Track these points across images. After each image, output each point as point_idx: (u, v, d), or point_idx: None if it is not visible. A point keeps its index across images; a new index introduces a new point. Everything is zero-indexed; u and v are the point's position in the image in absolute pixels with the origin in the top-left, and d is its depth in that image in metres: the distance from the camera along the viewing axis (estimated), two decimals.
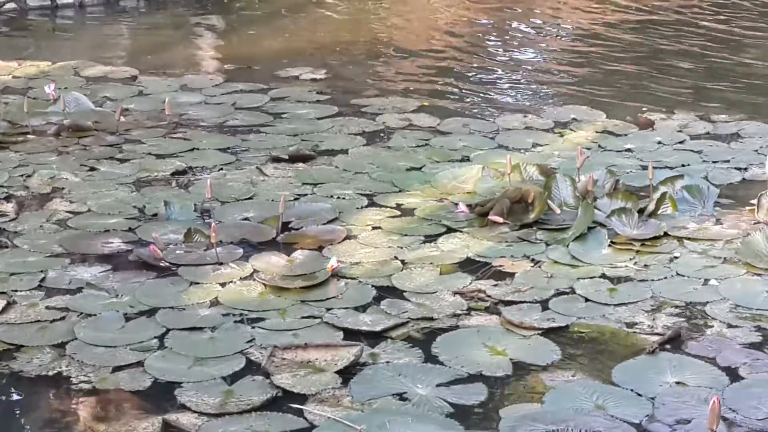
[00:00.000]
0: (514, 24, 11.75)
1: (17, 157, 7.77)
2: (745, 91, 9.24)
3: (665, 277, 5.97)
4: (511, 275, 6.02)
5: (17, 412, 4.88)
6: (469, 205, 6.77)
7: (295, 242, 6.42)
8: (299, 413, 4.79)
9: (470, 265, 6.15)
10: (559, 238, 6.40)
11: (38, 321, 5.56)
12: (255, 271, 6.06)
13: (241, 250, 6.28)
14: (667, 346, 5.30)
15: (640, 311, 5.64)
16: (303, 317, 5.59)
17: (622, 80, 9.65)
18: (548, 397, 4.90)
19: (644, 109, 8.70)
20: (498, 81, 9.76)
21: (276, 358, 5.14)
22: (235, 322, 5.54)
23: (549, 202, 6.66)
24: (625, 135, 8.18)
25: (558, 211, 6.66)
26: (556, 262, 6.16)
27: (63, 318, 5.59)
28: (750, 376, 5.05)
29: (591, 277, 5.99)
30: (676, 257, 6.20)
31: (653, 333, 5.42)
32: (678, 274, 6.02)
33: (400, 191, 7.16)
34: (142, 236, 6.48)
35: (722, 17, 11.80)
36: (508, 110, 8.85)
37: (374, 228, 6.61)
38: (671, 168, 7.43)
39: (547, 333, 5.44)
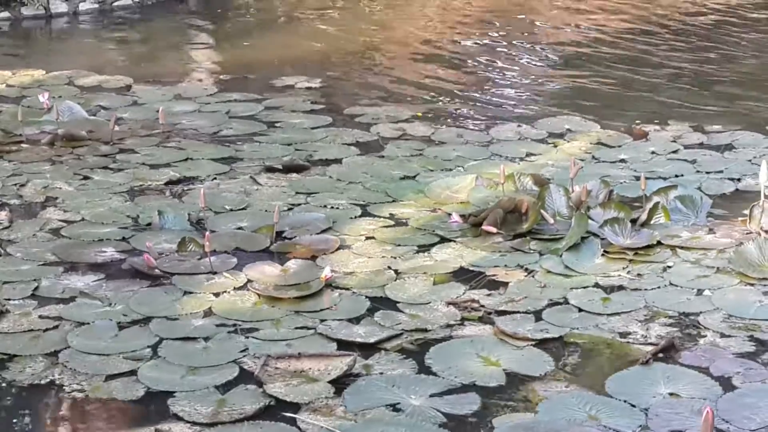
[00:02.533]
0: (509, 34, 11.76)
1: (11, 166, 7.76)
2: (739, 102, 9.25)
3: (658, 287, 5.98)
4: (505, 285, 6.02)
5: (10, 421, 4.87)
6: (462, 215, 6.77)
7: (288, 252, 6.42)
8: (292, 422, 4.78)
9: (464, 275, 6.15)
10: (552, 248, 6.40)
11: (31, 330, 5.55)
12: (249, 280, 6.06)
13: (235, 260, 6.28)
14: (661, 356, 5.30)
15: (634, 321, 5.64)
16: (296, 327, 5.58)
17: (616, 91, 9.66)
18: (542, 407, 4.90)
19: (637, 120, 8.70)
20: (492, 91, 9.77)
21: (269, 367, 5.13)
22: (229, 332, 5.53)
23: (543, 212, 6.67)
24: (619, 146, 8.19)
25: (552, 221, 6.66)
26: (549, 271, 6.16)
27: (56, 327, 5.58)
28: (743, 385, 5.06)
29: (584, 287, 5.99)
30: (669, 267, 6.20)
31: (647, 343, 5.42)
32: (671, 283, 6.02)
33: (393, 201, 7.16)
34: (136, 245, 6.47)
35: (716, 28, 11.81)
36: (502, 120, 8.85)
37: (368, 238, 6.61)
38: (665, 178, 7.44)
39: (541, 344, 5.44)
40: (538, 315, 5.70)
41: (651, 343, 5.41)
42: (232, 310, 5.76)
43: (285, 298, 5.85)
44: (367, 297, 5.89)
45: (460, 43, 11.45)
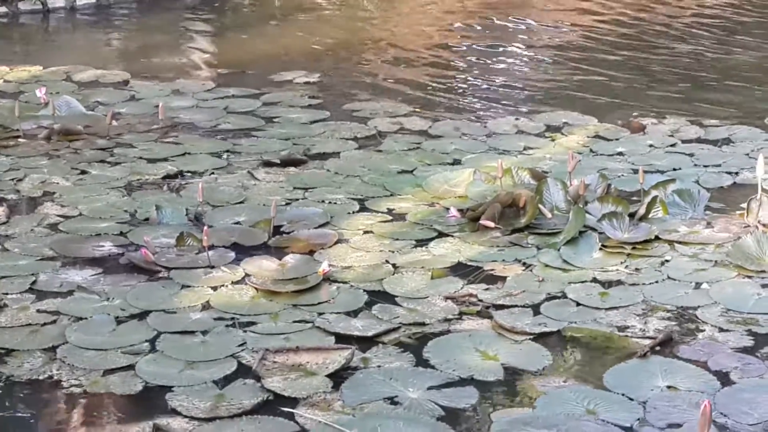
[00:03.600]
0: (506, 29, 11.75)
1: (8, 161, 7.76)
2: (736, 96, 9.25)
3: (656, 281, 5.98)
4: (503, 279, 6.02)
5: (8, 416, 4.86)
6: (460, 210, 6.76)
7: (286, 246, 6.42)
8: (290, 417, 4.79)
9: (462, 270, 6.15)
10: (550, 242, 6.40)
11: (29, 324, 5.55)
12: (246, 274, 6.05)
13: (232, 254, 6.28)
14: (659, 348, 5.30)
15: (632, 315, 5.64)
16: (294, 321, 5.59)
17: (613, 84, 9.65)
18: (540, 401, 4.90)
19: (635, 113, 8.70)
20: (489, 85, 9.77)
21: (267, 361, 5.13)
22: (227, 326, 5.53)
23: (540, 206, 6.67)
24: (617, 139, 8.19)
25: (549, 215, 6.66)
26: (547, 265, 6.16)
27: (54, 321, 5.58)
28: (741, 380, 5.06)
29: (582, 281, 5.99)
30: (667, 261, 6.21)
31: (645, 337, 5.42)
32: (669, 277, 6.02)
33: (391, 195, 7.16)
34: (134, 240, 6.47)
35: (715, 22, 11.81)
36: (499, 114, 8.85)
37: (366, 232, 6.61)
38: (662, 172, 7.44)
39: (539, 338, 5.44)
40: (536, 309, 5.70)
41: (649, 337, 5.41)
42: (230, 303, 5.76)
43: (283, 292, 5.85)
44: (365, 291, 5.89)
45: (457, 37, 11.44)
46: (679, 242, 6.39)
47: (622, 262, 6.19)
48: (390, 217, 6.82)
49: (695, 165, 7.64)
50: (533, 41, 11.26)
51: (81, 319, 5.60)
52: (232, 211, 6.93)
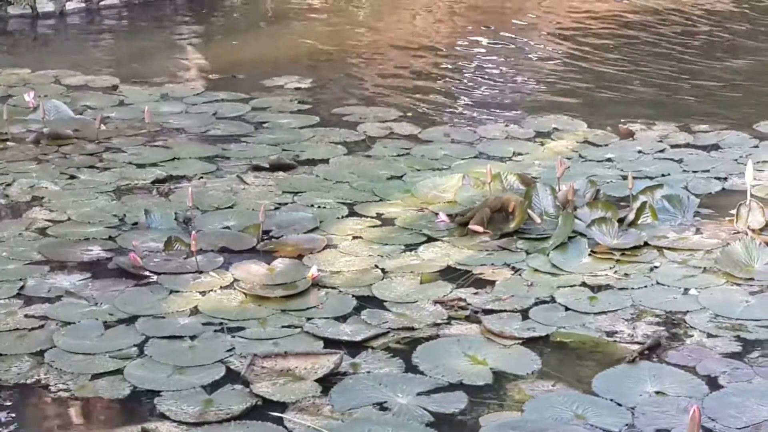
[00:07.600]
0: (497, 34, 11.76)
1: None
2: (725, 102, 9.26)
3: (645, 286, 5.98)
4: (492, 283, 6.02)
5: None
6: (449, 215, 6.77)
7: (275, 251, 6.41)
8: (279, 422, 4.78)
9: (450, 274, 6.15)
10: (539, 247, 6.40)
11: (17, 329, 5.54)
12: (235, 279, 6.05)
13: (221, 259, 6.27)
14: (647, 353, 5.30)
15: (620, 320, 5.64)
16: (283, 326, 5.58)
17: (602, 90, 9.67)
18: (528, 406, 4.90)
19: (622, 120, 8.70)
20: (479, 90, 9.77)
21: (256, 366, 5.12)
22: (215, 331, 5.52)
23: (529, 211, 6.67)
24: (606, 145, 8.20)
25: (538, 220, 6.66)
26: (536, 270, 6.16)
27: (42, 326, 5.57)
28: (729, 385, 5.06)
29: (571, 286, 5.99)
30: (656, 266, 6.21)
31: (633, 342, 5.43)
32: (658, 283, 6.03)
33: (380, 200, 7.16)
34: (122, 245, 6.46)
35: (704, 29, 11.84)
36: (489, 119, 8.86)
37: (355, 237, 6.61)
38: (651, 178, 7.44)
39: (528, 342, 5.44)
40: (524, 314, 5.70)
41: (637, 342, 5.41)
42: (219, 308, 5.75)
43: (271, 297, 5.85)
44: (354, 296, 5.89)
45: (448, 43, 11.45)
46: (668, 248, 6.39)
47: (611, 268, 6.19)
48: (379, 222, 6.82)
49: (684, 171, 7.64)
50: (523, 47, 11.27)
51: (69, 323, 5.58)
52: (221, 215, 6.93)
